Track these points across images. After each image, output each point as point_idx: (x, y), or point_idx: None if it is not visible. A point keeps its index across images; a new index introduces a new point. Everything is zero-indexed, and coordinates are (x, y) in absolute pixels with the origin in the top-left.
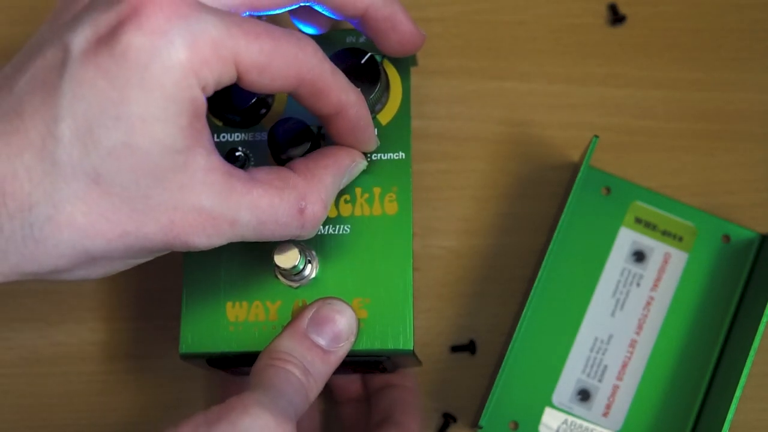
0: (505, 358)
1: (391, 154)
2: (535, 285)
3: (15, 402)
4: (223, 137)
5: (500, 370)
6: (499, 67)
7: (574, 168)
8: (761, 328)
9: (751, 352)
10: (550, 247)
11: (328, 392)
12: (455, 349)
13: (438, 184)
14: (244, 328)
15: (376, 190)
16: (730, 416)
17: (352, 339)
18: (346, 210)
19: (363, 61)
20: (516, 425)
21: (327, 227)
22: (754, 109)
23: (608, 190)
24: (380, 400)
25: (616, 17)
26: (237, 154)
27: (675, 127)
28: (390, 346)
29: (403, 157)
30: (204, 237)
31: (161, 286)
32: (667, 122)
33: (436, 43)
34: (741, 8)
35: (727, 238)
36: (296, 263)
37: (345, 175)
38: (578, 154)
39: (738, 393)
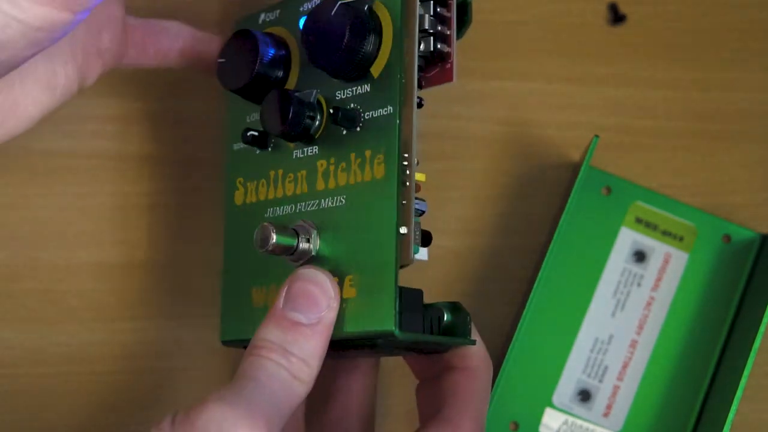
0: (506, 358)
1: (381, 110)
2: (535, 285)
3: (15, 402)
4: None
5: (500, 370)
6: (499, 67)
7: (575, 168)
8: (762, 328)
9: (752, 353)
10: (551, 247)
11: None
12: None
13: (438, 184)
14: (266, 313)
15: (367, 153)
16: (731, 417)
17: (334, 304)
18: (342, 179)
19: (332, 13)
20: (516, 426)
21: (326, 200)
22: (754, 109)
23: (608, 190)
24: (431, 389)
25: (616, 17)
26: (249, 134)
27: (675, 127)
28: (371, 327)
29: (391, 111)
30: None
31: (162, 286)
32: (667, 122)
33: None
34: (741, 8)
35: (727, 238)
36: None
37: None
38: (578, 154)
39: (739, 394)
